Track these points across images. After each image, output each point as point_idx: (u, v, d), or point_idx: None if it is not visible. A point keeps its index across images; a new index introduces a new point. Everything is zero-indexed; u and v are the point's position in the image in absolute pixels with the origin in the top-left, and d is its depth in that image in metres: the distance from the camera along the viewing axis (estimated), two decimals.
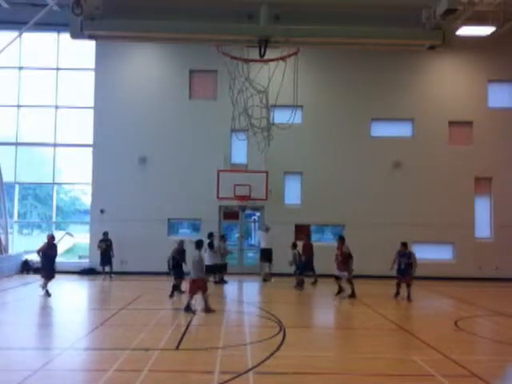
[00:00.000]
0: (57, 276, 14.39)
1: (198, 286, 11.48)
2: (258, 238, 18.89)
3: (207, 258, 15.28)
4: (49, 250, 13.98)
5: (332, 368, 7.45)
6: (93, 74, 20.43)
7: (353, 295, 14.24)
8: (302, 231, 19.14)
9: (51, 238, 14.22)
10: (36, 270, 19.47)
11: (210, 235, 16.58)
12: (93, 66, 20.41)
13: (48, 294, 13.78)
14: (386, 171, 20.17)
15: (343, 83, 20.36)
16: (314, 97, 20.11)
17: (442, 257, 19.95)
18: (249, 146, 19.25)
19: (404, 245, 14.48)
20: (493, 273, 19.56)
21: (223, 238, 17.61)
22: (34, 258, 20.21)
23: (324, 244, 19.99)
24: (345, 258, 14.37)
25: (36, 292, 14.27)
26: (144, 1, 6.29)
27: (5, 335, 9.52)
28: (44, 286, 13.90)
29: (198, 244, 12.08)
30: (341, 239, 14.94)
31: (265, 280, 17.35)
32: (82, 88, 20.68)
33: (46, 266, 13.97)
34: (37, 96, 20.80)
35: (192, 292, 11.51)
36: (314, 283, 16.84)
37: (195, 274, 11.50)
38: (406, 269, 14.10)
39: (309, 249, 16.70)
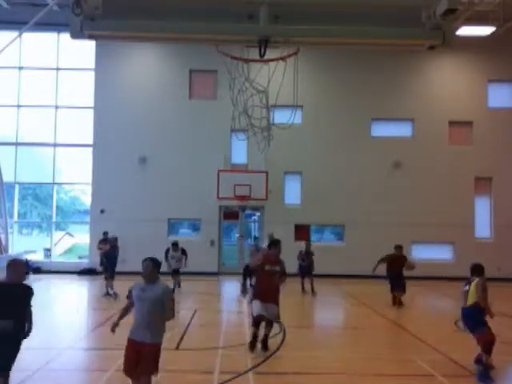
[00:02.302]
0: (56, 276, 14.34)
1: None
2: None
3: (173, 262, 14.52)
4: (110, 250, 13.92)
5: (332, 368, 7.44)
6: (93, 73, 20.44)
7: (265, 346, 8.07)
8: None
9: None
10: (36, 270, 19.51)
11: (174, 244, 14.88)
12: (93, 66, 20.42)
13: (116, 295, 13.38)
14: (386, 171, 20.17)
15: (343, 83, 20.36)
16: (314, 97, 20.11)
17: (441, 257, 19.94)
18: (249, 146, 19.23)
19: (479, 270, 7.59)
20: (493, 273, 19.35)
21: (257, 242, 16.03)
22: (34, 257, 20.31)
23: (324, 244, 20.09)
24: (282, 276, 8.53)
25: (40, 291, 14.21)
26: (144, 1, 6.29)
27: None
28: (111, 287, 13.56)
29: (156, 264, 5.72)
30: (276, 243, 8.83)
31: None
32: (82, 88, 20.69)
33: (109, 265, 13.79)
34: (37, 96, 20.80)
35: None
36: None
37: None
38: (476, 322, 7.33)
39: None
